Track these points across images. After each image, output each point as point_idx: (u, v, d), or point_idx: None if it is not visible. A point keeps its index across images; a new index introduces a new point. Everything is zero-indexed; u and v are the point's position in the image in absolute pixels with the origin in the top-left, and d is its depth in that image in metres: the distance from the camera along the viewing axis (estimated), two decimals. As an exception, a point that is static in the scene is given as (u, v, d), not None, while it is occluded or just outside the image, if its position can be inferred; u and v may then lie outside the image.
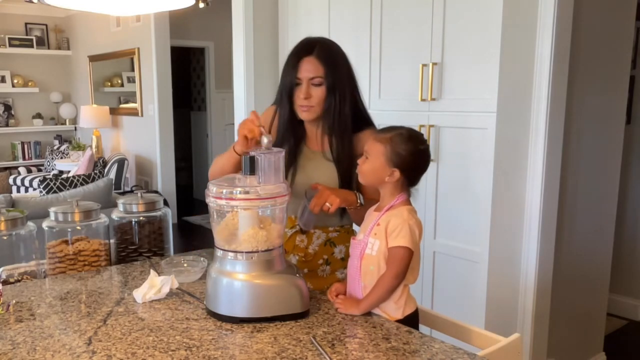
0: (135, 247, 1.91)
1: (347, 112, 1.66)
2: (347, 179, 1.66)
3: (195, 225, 6.47)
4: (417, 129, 2.52)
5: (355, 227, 1.83)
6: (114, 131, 7.00)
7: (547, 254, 2.44)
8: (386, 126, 1.52)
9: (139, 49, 6.30)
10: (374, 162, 1.47)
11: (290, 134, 1.71)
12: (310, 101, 1.64)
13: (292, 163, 1.70)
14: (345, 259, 1.73)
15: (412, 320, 1.47)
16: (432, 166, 2.53)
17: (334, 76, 1.63)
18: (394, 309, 1.46)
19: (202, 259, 1.74)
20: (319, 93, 1.63)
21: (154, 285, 1.52)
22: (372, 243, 1.46)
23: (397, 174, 1.44)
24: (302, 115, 1.68)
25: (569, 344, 2.75)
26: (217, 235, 1.43)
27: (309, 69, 1.62)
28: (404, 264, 1.42)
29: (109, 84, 7.07)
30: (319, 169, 1.69)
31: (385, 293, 1.43)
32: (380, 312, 1.45)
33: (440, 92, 2.48)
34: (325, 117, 1.68)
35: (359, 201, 1.61)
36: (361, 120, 1.72)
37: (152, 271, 1.58)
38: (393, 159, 1.44)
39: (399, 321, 1.43)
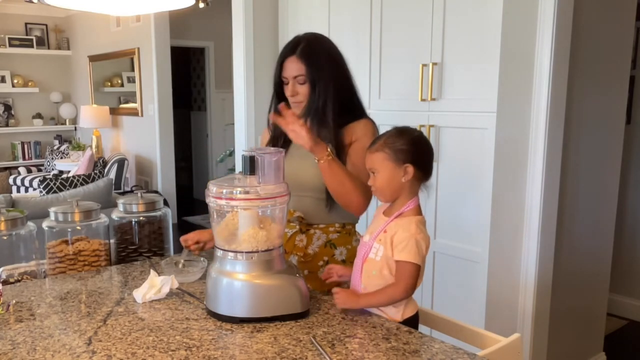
0: (135, 247, 1.92)
1: (327, 107, 1.69)
2: None
3: (195, 225, 6.46)
4: (417, 129, 2.53)
5: (358, 228, 1.83)
6: (114, 131, 7.00)
7: (547, 254, 2.44)
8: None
9: (139, 49, 6.30)
10: (383, 173, 1.45)
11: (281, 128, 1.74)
12: (297, 98, 1.72)
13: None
14: (346, 261, 1.73)
15: (411, 323, 1.46)
16: (432, 166, 2.53)
17: (314, 74, 1.69)
18: (393, 312, 1.45)
19: (202, 259, 1.75)
20: (304, 90, 1.71)
21: (154, 285, 1.52)
22: (377, 248, 1.45)
23: (410, 168, 1.43)
24: (294, 110, 1.70)
25: (569, 344, 2.75)
26: (217, 235, 1.43)
27: (292, 68, 1.70)
28: (413, 280, 1.41)
29: (109, 84, 7.07)
30: (306, 157, 1.65)
31: (388, 302, 1.44)
32: (380, 312, 1.45)
33: (440, 92, 2.48)
34: (306, 112, 1.72)
35: (329, 150, 1.55)
36: (354, 110, 1.76)
37: (152, 271, 1.58)
38: (399, 157, 1.43)
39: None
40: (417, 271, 1.41)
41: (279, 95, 1.76)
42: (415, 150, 1.44)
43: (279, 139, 1.79)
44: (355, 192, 1.60)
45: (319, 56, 1.71)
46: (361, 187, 1.60)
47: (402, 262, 1.40)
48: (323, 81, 1.69)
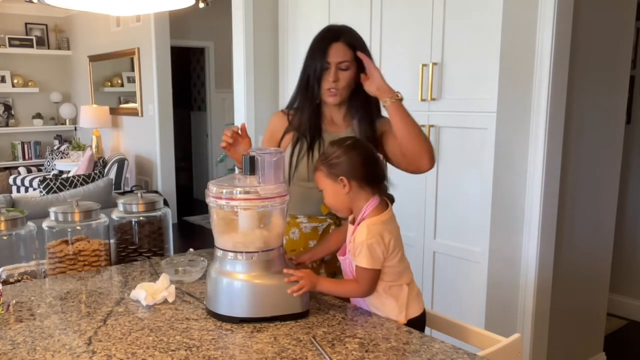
0: (135, 247, 1.92)
1: (372, 98, 1.71)
2: None
3: (195, 225, 6.47)
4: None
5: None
6: (114, 131, 7.00)
7: (547, 254, 2.44)
8: None
9: (139, 49, 6.30)
10: (327, 190, 1.47)
11: (315, 119, 1.75)
12: (337, 84, 1.69)
13: (314, 146, 1.72)
14: None
15: (416, 324, 1.46)
16: (432, 166, 2.53)
17: (360, 60, 1.69)
18: (395, 314, 1.45)
19: (202, 259, 1.75)
20: (346, 77, 1.69)
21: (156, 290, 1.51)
22: (352, 260, 1.47)
23: (345, 180, 1.42)
24: (329, 99, 1.72)
25: (569, 344, 2.75)
26: (217, 235, 1.43)
27: (338, 54, 1.68)
28: (369, 283, 1.43)
29: (109, 84, 7.06)
30: None
31: (346, 296, 1.48)
32: (382, 315, 1.45)
33: (440, 92, 2.48)
34: (352, 100, 1.73)
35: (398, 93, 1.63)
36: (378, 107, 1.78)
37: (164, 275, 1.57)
38: (332, 171, 1.43)
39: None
40: (372, 275, 1.42)
41: (319, 82, 1.70)
42: (346, 161, 1.42)
43: (315, 126, 1.75)
44: (424, 136, 1.64)
45: (362, 44, 1.74)
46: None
47: (358, 267, 1.43)
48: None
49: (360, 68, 1.69)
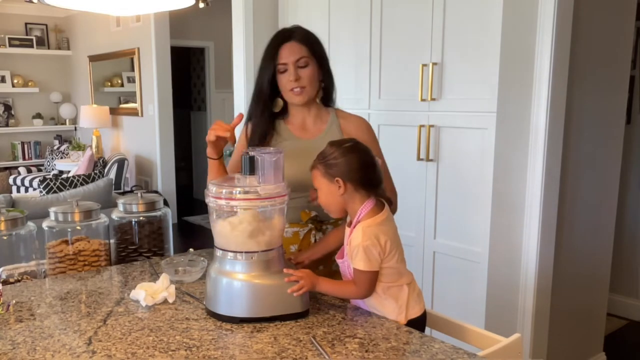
0: (135, 247, 1.91)
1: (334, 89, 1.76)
2: None
3: (195, 225, 6.47)
4: (417, 129, 2.54)
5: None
6: (114, 131, 7.00)
7: (547, 254, 2.44)
8: None
9: (139, 49, 6.30)
10: (322, 189, 1.46)
11: (271, 126, 1.73)
12: (301, 82, 1.65)
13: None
14: None
15: (417, 324, 1.46)
16: (432, 166, 2.54)
17: (317, 54, 1.68)
18: (395, 315, 1.45)
19: (202, 259, 1.74)
20: (307, 73, 1.66)
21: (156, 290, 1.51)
22: (350, 263, 1.47)
23: (341, 182, 1.42)
24: (296, 99, 1.68)
25: (569, 344, 2.75)
26: (216, 235, 1.43)
27: (292, 52, 1.64)
28: (368, 285, 1.43)
29: (109, 84, 7.07)
30: (299, 156, 1.62)
31: (345, 297, 1.49)
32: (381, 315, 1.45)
33: (440, 92, 2.48)
34: (323, 94, 1.74)
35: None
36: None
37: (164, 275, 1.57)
38: (330, 172, 1.43)
39: None
40: (370, 277, 1.42)
41: (273, 93, 1.70)
42: (343, 162, 1.42)
43: (270, 133, 1.74)
44: None
45: (316, 39, 1.71)
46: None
47: (356, 270, 1.43)
48: (326, 61, 1.70)
49: (321, 63, 1.68)
